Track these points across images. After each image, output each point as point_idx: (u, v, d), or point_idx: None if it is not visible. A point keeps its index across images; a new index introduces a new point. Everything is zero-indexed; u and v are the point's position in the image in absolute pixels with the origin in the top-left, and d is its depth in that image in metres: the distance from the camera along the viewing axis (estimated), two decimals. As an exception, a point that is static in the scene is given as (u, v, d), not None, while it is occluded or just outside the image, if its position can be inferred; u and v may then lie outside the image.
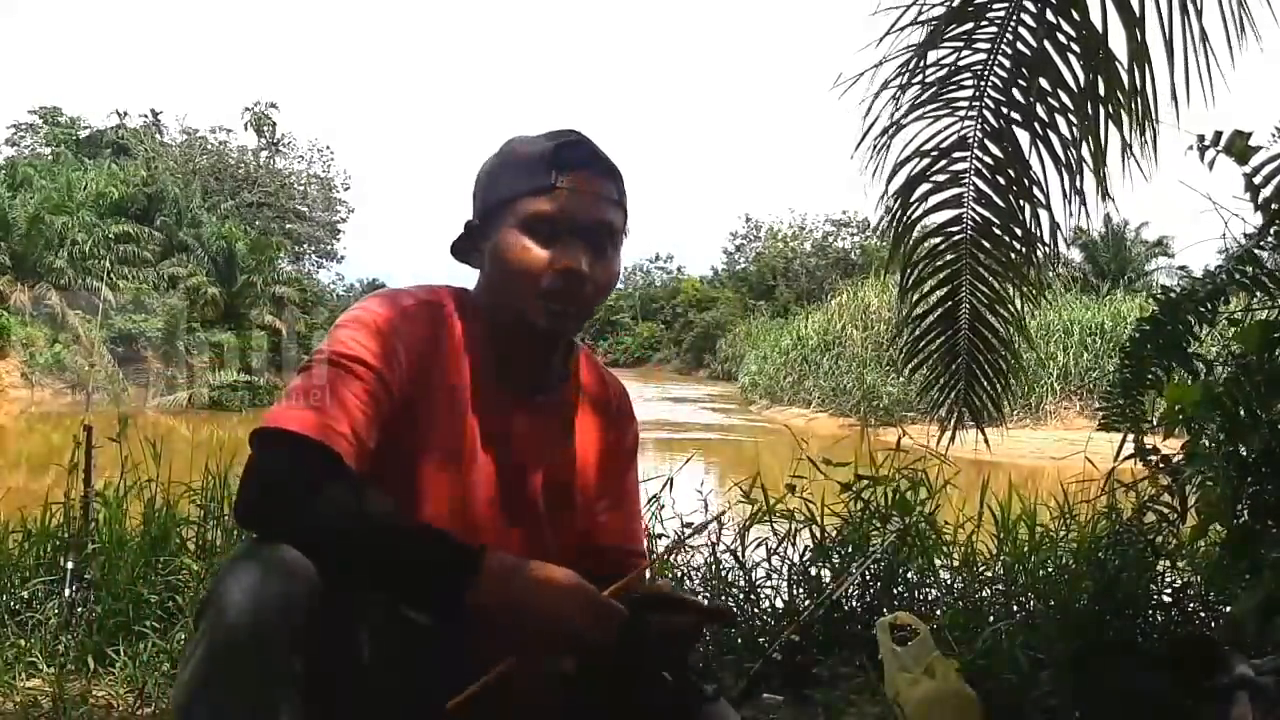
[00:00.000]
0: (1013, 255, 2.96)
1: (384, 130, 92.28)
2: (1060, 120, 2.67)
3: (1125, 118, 2.46)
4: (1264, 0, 2.17)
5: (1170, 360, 2.57)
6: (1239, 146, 2.26)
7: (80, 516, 3.19)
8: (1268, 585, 2.06)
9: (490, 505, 1.37)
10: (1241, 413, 2.17)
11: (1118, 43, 2.39)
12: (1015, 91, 2.71)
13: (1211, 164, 2.30)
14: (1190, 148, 2.31)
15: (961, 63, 2.73)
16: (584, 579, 1.19)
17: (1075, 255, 28.82)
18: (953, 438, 3.18)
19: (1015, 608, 2.93)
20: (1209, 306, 2.53)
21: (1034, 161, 2.76)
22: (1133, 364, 2.66)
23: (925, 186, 2.94)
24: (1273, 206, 2.28)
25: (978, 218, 2.93)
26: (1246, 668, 2.11)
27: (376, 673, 1.22)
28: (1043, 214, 2.82)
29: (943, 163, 2.90)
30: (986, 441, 3.17)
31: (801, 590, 3.08)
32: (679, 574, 3.15)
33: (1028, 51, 2.63)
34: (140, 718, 2.55)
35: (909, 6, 2.59)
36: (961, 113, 2.80)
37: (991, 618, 2.87)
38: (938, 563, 3.18)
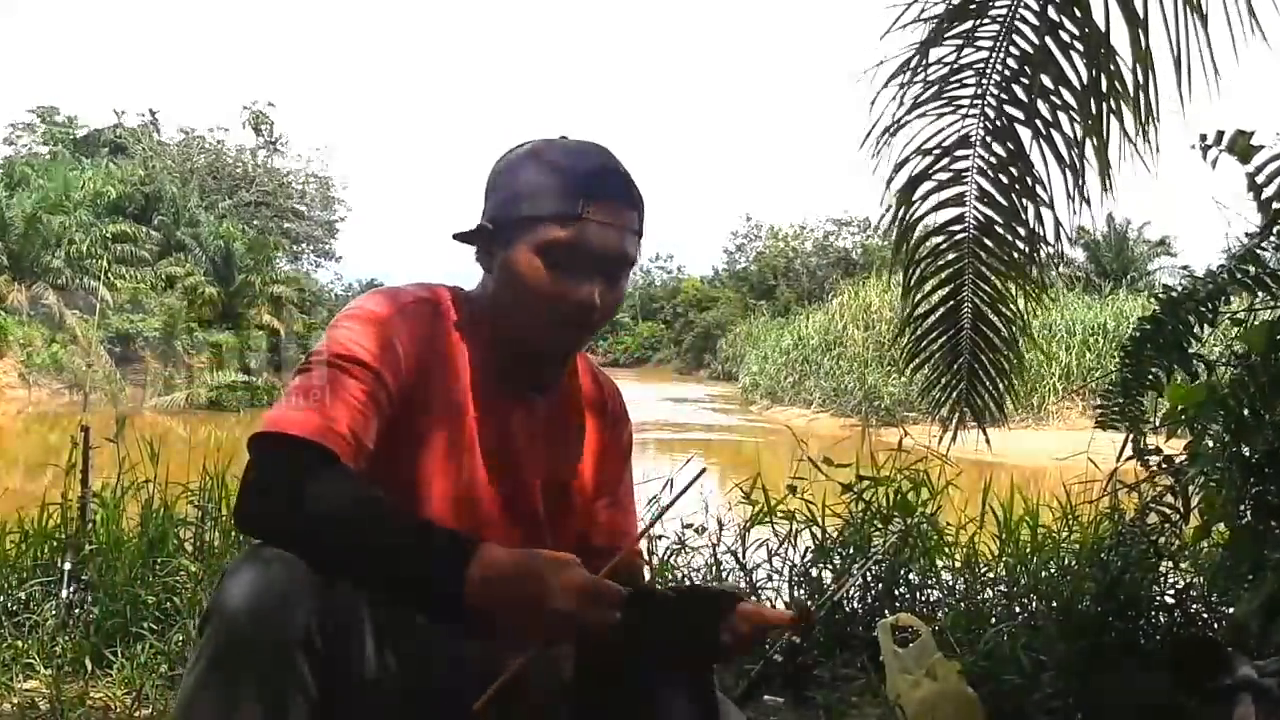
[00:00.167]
0: (1015, 254, 2.95)
1: (382, 129, 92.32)
2: (1063, 118, 2.66)
3: (1129, 115, 2.45)
4: (1269, -2, 2.16)
5: (1170, 360, 2.55)
6: (1241, 145, 2.25)
7: (77, 517, 3.17)
8: (1271, 586, 2.05)
9: (490, 505, 1.36)
10: (1246, 413, 2.16)
11: (1120, 40, 2.39)
12: (1017, 89, 2.70)
13: (1214, 163, 2.29)
14: (1193, 146, 2.30)
15: (964, 60, 2.72)
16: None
17: (1078, 255, 28.86)
18: (954, 438, 3.17)
19: (1017, 609, 2.93)
20: (1210, 306, 2.51)
21: (1036, 160, 2.75)
22: (1132, 363, 2.65)
23: (927, 185, 2.93)
24: (1275, 206, 2.27)
25: (980, 216, 2.92)
26: (1250, 669, 2.09)
27: (381, 675, 1.21)
28: (1045, 213, 2.82)
29: (945, 161, 2.88)
30: (988, 442, 3.16)
31: (803, 592, 3.08)
32: (680, 575, 3.14)
33: (1030, 49, 2.63)
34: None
35: (910, 4, 2.59)
36: (964, 111, 2.79)
37: (993, 619, 2.87)
38: (939, 564, 3.18)
